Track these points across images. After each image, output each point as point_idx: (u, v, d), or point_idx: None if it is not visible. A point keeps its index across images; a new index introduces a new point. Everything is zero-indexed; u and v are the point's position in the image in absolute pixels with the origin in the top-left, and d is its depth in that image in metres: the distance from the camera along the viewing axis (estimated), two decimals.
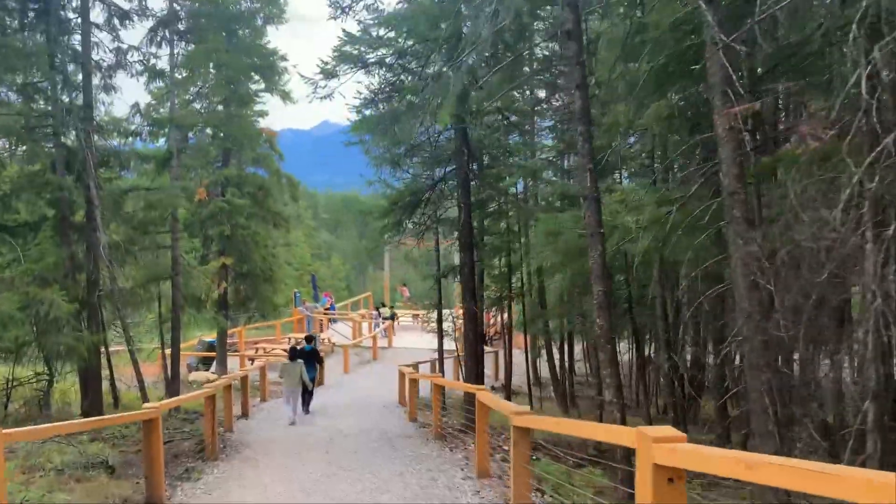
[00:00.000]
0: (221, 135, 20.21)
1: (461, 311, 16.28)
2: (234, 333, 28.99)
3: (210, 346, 24.58)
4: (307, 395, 14.88)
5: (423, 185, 14.38)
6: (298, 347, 15.98)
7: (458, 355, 22.77)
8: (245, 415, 14.91)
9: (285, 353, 26.77)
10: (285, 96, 22.05)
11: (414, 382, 14.15)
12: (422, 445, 11.14)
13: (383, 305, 33.98)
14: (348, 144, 14.73)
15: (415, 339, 30.22)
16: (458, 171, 12.55)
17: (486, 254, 17.23)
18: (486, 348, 30.32)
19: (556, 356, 22.73)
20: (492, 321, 32.86)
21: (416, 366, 19.79)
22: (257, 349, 26.71)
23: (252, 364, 23.94)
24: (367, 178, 17.13)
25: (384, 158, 15.97)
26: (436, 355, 27.10)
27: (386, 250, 35.51)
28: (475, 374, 13.02)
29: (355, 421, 14.11)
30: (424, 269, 24.82)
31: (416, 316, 33.92)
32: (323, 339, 28.06)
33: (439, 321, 19.66)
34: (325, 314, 31.99)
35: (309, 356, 15.76)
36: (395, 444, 11.30)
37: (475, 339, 13.01)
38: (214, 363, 23.25)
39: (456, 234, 15.03)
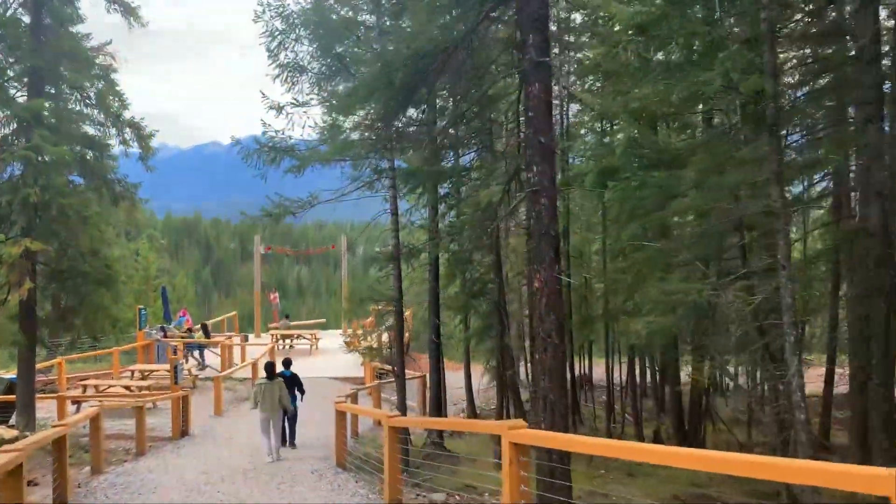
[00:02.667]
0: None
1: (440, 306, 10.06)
2: (52, 367, 20.86)
3: (10, 387, 16.51)
4: (291, 425, 13.10)
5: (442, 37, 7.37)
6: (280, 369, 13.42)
7: (386, 380, 16.46)
8: None
9: (129, 392, 19.19)
10: (130, 14, 14.97)
11: (394, 434, 7.67)
12: None
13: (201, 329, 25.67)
14: None
15: (303, 366, 23.34)
16: None
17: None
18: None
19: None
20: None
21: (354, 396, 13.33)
22: (85, 388, 18.78)
23: (77, 410, 16.24)
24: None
25: None
26: (343, 386, 20.61)
27: (260, 244, 28.42)
28: (562, 412, 6.70)
29: None
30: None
31: (300, 337, 26.89)
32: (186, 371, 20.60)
33: (399, 326, 13.19)
34: (182, 338, 24.27)
35: (289, 384, 13.02)
36: None
37: (564, 345, 6.71)
38: (15, 412, 15.32)
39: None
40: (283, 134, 10.25)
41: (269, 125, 10.35)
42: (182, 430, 15.24)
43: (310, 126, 10.75)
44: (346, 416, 10.51)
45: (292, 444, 13.13)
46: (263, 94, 10.48)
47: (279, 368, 13.48)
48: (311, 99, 10.39)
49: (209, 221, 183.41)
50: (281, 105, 10.59)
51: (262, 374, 12.98)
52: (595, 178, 8.01)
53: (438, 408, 14.56)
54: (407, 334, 28.38)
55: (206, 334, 24.46)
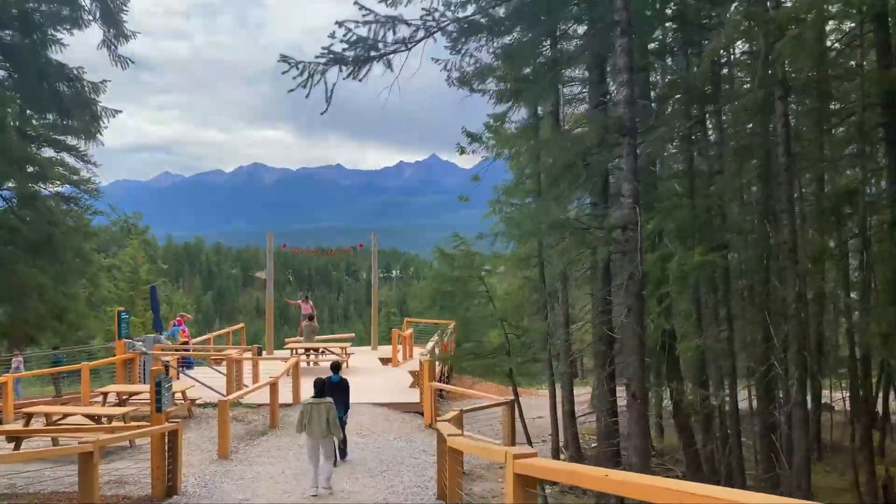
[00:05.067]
0: None
1: None
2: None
3: None
4: (340, 442, 11.32)
5: None
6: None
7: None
8: None
9: (93, 422, 13.56)
10: None
11: None
12: None
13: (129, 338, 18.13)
14: None
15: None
16: None
17: None
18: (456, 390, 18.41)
19: None
20: None
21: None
22: (30, 418, 13.13)
23: (15, 449, 10.60)
24: None
25: None
26: (400, 415, 15.14)
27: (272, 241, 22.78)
28: None
29: None
30: None
31: (325, 352, 21.16)
32: (174, 395, 14.95)
33: (639, 282, 7.52)
34: (177, 351, 18.62)
35: (338, 391, 11.42)
36: None
37: None
38: None
39: None
40: None
41: None
42: (168, 486, 9.63)
43: None
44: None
45: (342, 458, 11.68)
46: None
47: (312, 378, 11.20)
48: None
49: (211, 247, 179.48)
50: None
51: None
52: None
53: (646, 459, 8.88)
54: (445, 349, 22.67)
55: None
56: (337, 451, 11.15)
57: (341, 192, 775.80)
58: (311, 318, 20.54)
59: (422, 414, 15.93)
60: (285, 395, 16.01)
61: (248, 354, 18.19)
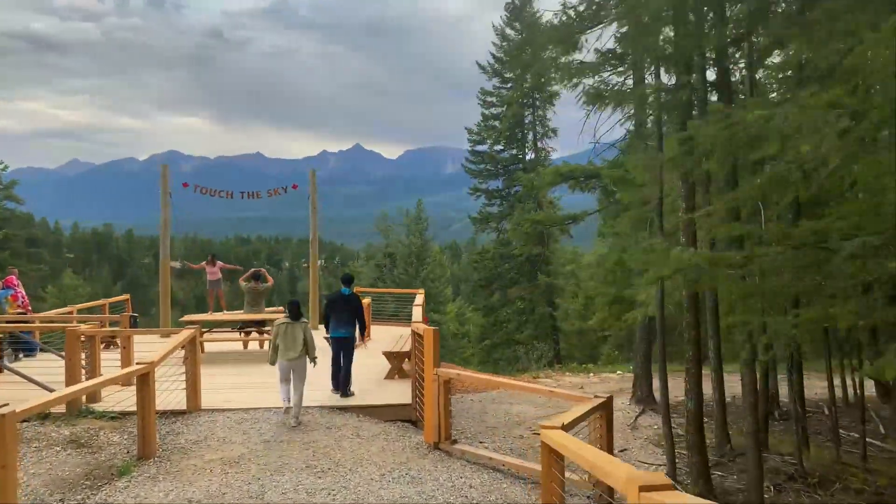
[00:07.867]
0: None
1: None
2: None
3: None
4: (347, 365, 10.28)
5: None
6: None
7: None
8: None
9: None
10: None
11: None
12: None
13: None
14: None
15: (268, 392, 10.63)
16: None
17: None
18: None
19: None
20: None
21: None
22: None
23: None
24: None
25: None
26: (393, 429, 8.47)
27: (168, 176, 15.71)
28: None
29: None
30: None
31: (245, 330, 14.21)
32: None
33: None
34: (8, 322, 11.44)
35: (348, 304, 10.39)
36: None
37: None
38: None
39: None
40: None
41: None
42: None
43: None
44: None
45: (346, 391, 10.16)
46: None
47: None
48: None
49: (122, 235, 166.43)
50: None
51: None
52: None
53: None
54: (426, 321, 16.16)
55: None
56: (342, 378, 10.24)
57: (263, 182, 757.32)
58: (256, 277, 14.02)
59: (414, 423, 9.37)
60: (176, 397, 9.10)
61: (118, 331, 11.04)
